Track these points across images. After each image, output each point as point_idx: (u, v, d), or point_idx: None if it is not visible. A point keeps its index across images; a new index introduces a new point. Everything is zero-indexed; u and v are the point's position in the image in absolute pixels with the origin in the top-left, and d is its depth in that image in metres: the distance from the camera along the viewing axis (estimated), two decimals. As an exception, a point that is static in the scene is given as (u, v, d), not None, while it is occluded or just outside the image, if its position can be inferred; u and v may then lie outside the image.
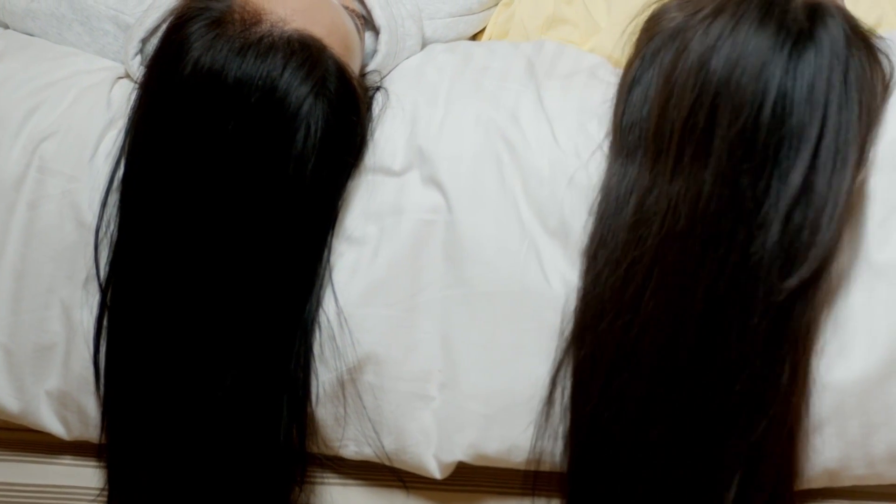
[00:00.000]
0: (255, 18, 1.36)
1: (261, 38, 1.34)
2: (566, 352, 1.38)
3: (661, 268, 1.30)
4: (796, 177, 1.26)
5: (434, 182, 1.42)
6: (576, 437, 1.39)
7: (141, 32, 1.47)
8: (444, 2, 1.58)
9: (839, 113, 1.27)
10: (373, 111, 1.45)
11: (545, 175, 1.40)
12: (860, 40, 1.32)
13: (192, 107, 1.34)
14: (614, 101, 1.38)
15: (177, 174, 1.36)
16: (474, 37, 1.67)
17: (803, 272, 1.28)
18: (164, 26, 1.40)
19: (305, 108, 1.34)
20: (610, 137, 1.38)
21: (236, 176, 1.34)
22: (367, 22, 1.53)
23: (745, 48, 1.27)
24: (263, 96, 1.33)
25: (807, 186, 1.27)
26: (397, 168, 1.43)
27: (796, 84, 1.27)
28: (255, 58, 1.33)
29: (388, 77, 1.50)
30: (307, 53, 1.35)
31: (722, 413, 1.33)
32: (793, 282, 1.28)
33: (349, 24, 1.44)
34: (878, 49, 1.34)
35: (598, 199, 1.37)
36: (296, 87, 1.34)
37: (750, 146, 1.27)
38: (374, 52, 1.52)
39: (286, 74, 1.33)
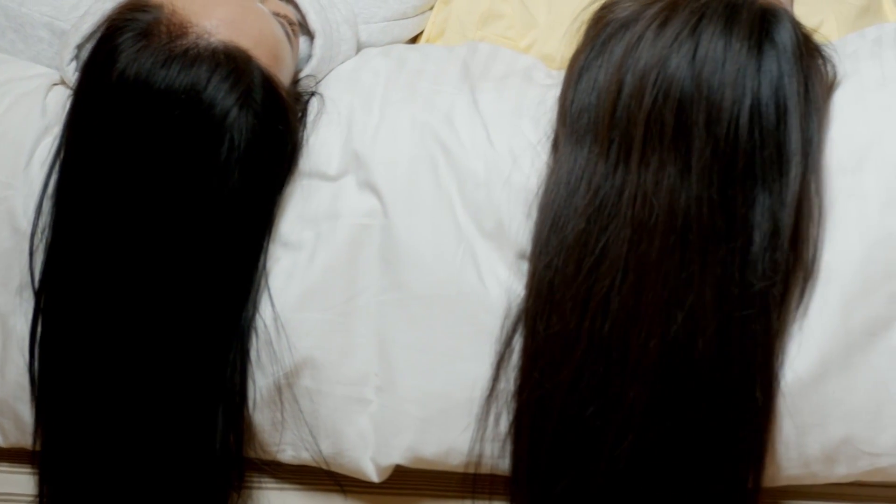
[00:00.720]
0: (182, 30, 1.36)
1: (186, 50, 1.35)
2: (507, 344, 1.38)
3: (633, 259, 1.31)
4: (789, 183, 1.28)
5: (370, 186, 1.42)
6: (520, 437, 1.39)
7: (76, 38, 1.46)
8: (379, 6, 1.58)
9: (805, 118, 1.29)
10: (307, 117, 1.45)
11: (481, 177, 1.41)
12: (809, 45, 1.33)
13: (119, 117, 1.35)
14: (562, 87, 1.38)
15: (108, 182, 1.36)
16: (412, 40, 1.67)
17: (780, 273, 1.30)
18: (97, 34, 1.40)
19: (230, 119, 1.35)
20: (557, 124, 1.38)
21: (163, 185, 1.35)
22: (301, 27, 1.53)
23: (714, 51, 1.28)
24: (188, 107, 1.33)
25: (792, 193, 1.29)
26: (333, 173, 1.43)
27: (764, 89, 1.28)
28: (180, 69, 1.33)
29: (323, 82, 1.50)
30: (233, 65, 1.36)
31: (687, 412, 1.34)
32: (773, 282, 1.29)
33: (278, 33, 1.44)
34: (823, 54, 1.36)
35: (547, 185, 1.37)
36: (220, 99, 1.34)
37: (733, 150, 1.28)
38: (310, 56, 1.52)
39: (211, 86, 1.34)
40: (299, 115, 1.45)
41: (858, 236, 1.35)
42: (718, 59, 1.28)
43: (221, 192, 1.36)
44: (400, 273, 1.41)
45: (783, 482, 1.42)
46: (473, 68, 1.49)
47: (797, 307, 1.35)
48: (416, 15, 1.62)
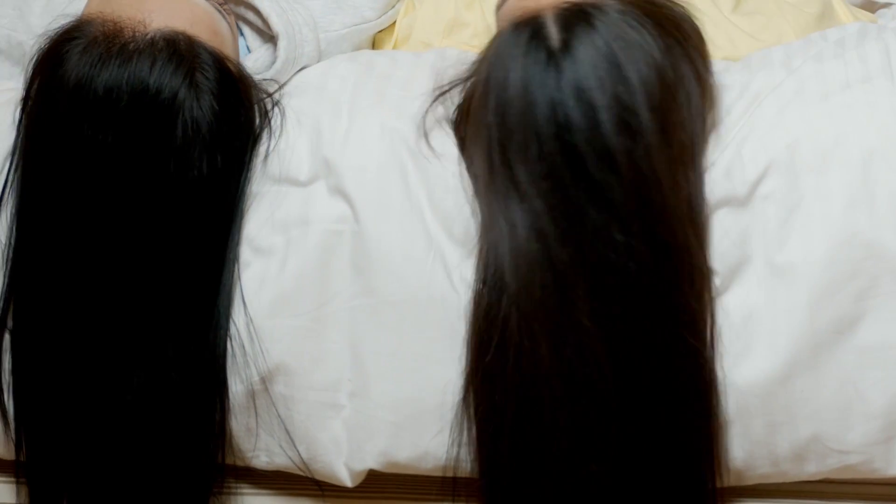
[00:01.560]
0: (116, 30, 1.37)
1: (123, 46, 1.36)
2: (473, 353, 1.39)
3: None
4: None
5: (340, 192, 1.43)
6: (486, 442, 1.40)
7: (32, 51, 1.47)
8: (336, 13, 1.59)
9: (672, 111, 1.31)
10: (272, 119, 1.46)
11: (450, 184, 1.41)
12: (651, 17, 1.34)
13: (69, 123, 1.35)
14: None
15: (66, 189, 1.36)
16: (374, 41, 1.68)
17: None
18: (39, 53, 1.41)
19: (179, 99, 1.35)
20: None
21: (123, 183, 1.35)
22: (262, 32, 1.54)
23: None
24: (134, 98, 1.34)
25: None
26: (303, 178, 1.44)
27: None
28: (121, 64, 1.35)
29: (289, 88, 1.50)
30: (173, 48, 1.37)
31: (635, 415, 1.35)
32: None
33: (210, 11, 1.45)
34: (674, 16, 1.37)
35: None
36: (167, 82, 1.35)
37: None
38: (273, 61, 1.52)
39: (155, 72, 1.35)
40: (258, 106, 1.45)
41: (824, 236, 1.36)
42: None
43: (186, 177, 1.36)
44: (371, 279, 1.41)
45: (754, 481, 1.44)
46: (442, 75, 1.50)
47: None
48: (377, 19, 1.62)
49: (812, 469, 1.42)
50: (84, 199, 1.36)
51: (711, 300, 1.37)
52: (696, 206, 1.35)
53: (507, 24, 1.35)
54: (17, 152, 1.42)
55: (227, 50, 1.45)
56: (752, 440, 1.40)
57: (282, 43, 1.50)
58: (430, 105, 1.43)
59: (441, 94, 1.43)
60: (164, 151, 1.35)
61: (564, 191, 1.29)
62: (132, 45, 1.36)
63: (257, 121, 1.45)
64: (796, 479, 1.44)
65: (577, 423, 1.34)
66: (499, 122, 1.32)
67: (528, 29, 1.32)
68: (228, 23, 1.48)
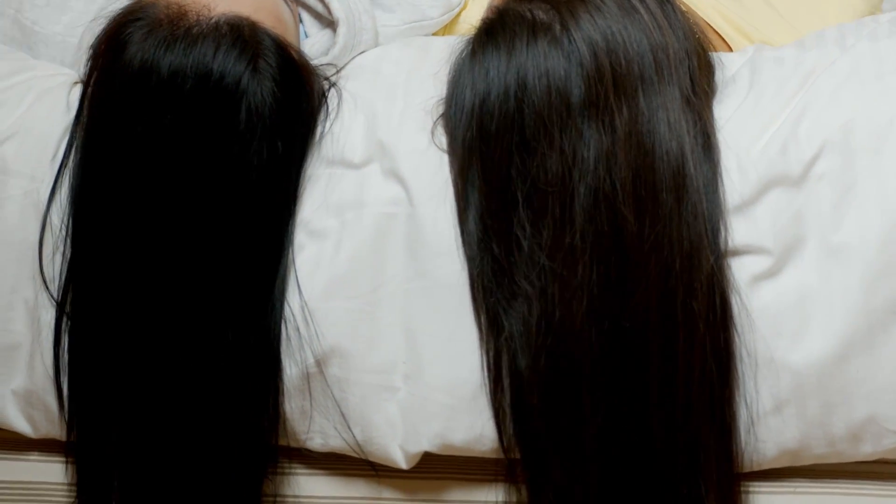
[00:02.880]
0: (181, 13, 1.38)
1: (188, 30, 1.36)
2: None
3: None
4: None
5: (395, 175, 1.42)
6: (519, 424, 1.40)
7: (90, 38, 1.47)
8: (396, 9, 1.59)
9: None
10: (328, 101, 1.46)
11: None
12: None
13: (133, 107, 1.36)
14: None
15: (129, 171, 1.37)
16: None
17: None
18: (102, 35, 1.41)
19: (243, 86, 1.35)
20: None
21: (186, 166, 1.35)
22: (321, 17, 1.54)
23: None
24: (198, 82, 1.34)
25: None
26: (357, 161, 1.44)
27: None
28: (185, 48, 1.35)
29: (344, 72, 1.51)
30: (237, 33, 1.37)
31: (657, 398, 1.36)
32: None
33: None
34: None
35: None
36: (230, 68, 1.35)
37: None
38: (331, 46, 1.52)
39: (219, 57, 1.35)
40: (318, 91, 1.45)
41: (879, 217, 1.36)
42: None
43: (247, 162, 1.36)
44: (425, 261, 1.41)
45: (810, 461, 1.44)
46: None
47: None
48: (438, 17, 1.62)
49: (868, 449, 1.42)
50: (145, 183, 1.36)
51: (719, 269, 1.36)
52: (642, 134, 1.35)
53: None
54: (77, 135, 1.42)
55: (289, 37, 1.45)
56: (807, 421, 1.40)
57: (341, 29, 1.50)
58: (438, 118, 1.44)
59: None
60: (226, 137, 1.35)
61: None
62: (196, 28, 1.36)
63: (318, 108, 1.44)
64: (852, 460, 1.45)
65: (604, 386, 1.35)
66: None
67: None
68: (291, 10, 1.48)
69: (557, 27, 1.33)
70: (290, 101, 1.40)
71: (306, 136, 1.43)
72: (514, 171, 1.33)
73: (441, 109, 1.42)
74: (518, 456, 1.42)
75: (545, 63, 1.32)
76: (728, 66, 1.47)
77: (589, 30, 1.32)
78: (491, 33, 1.36)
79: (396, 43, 1.55)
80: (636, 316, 1.34)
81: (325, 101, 1.45)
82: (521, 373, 1.36)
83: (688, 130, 1.35)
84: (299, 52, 1.46)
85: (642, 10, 1.35)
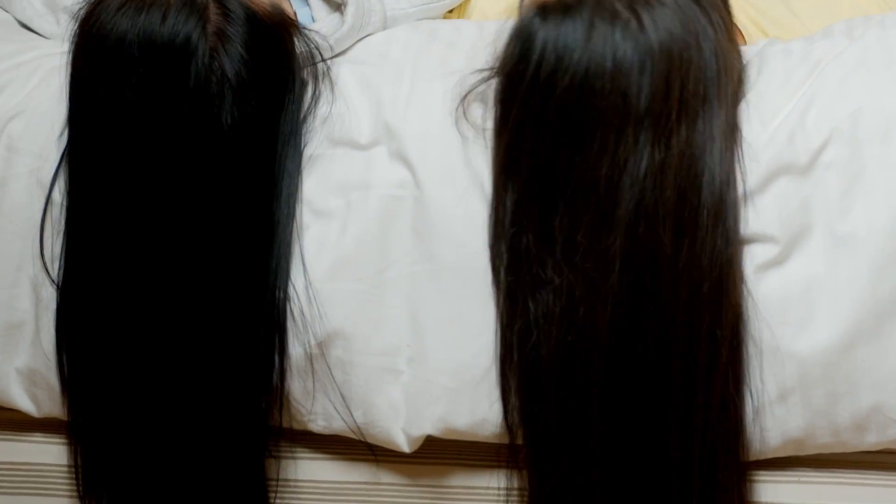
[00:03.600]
0: None
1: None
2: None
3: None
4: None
5: (401, 158, 1.42)
6: (526, 410, 1.40)
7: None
8: None
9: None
10: (328, 80, 1.46)
11: None
12: None
13: (95, 73, 1.37)
14: None
15: (107, 142, 1.37)
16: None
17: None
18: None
19: (192, 46, 1.35)
20: None
21: (156, 134, 1.35)
22: (329, 1, 1.54)
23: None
24: (147, 47, 1.35)
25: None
26: (364, 142, 1.44)
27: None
28: (134, 14, 1.35)
29: (352, 54, 1.51)
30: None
31: (664, 385, 1.35)
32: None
33: None
34: None
35: None
36: (182, 28, 1.35)
37: None
38: (339, 27, 1.52)
39: (168, 21, 1.35)
40: (309, 57, 1.45)
41: (887, 206, 1.36)
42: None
43: (217, 124, 1.36)
44: (431, 245, 1.41)
45: (814, 451, 1.44)
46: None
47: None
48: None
49: (873, 439, 1.42)
50: (124, 152, 1.36)
51: (735, 275, 1.36)
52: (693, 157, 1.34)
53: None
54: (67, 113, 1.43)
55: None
56: (812, 410, 1.39)
57: (350, 9, 1.50)
58: (474, 87, 1.42)
59: (482, 80, 1.42)
60: (191, 99, 1.35)
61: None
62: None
63: (300, 71, 1.44)
64: (856, 450, 1.44)
65: (617, 388, 1.35)
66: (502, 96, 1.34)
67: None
68: None
69: (634, 23, 1.29)
70: (261, 62, 1.39)
71: (283, 96, 1.43)
72: (563, 162, 1.31)
73: (476, 81, 1.41)
74: (521, 441, 1.41)
75: (620, 60, 1.28)
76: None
77: (666, 39, 1.29)
78: (570, 8, 1.30)
79: (404, 26, 1.55)
80: (660, 332, 1.33)
81: (322, 75, 1.45)
82: (537, 359, 1.36)
83: (731, 159, 1.35)
84: (276, 15, 1.44)
85: (714, 22, 1.34)
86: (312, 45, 1.47)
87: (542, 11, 1.30)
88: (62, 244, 1.43)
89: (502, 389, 1.40)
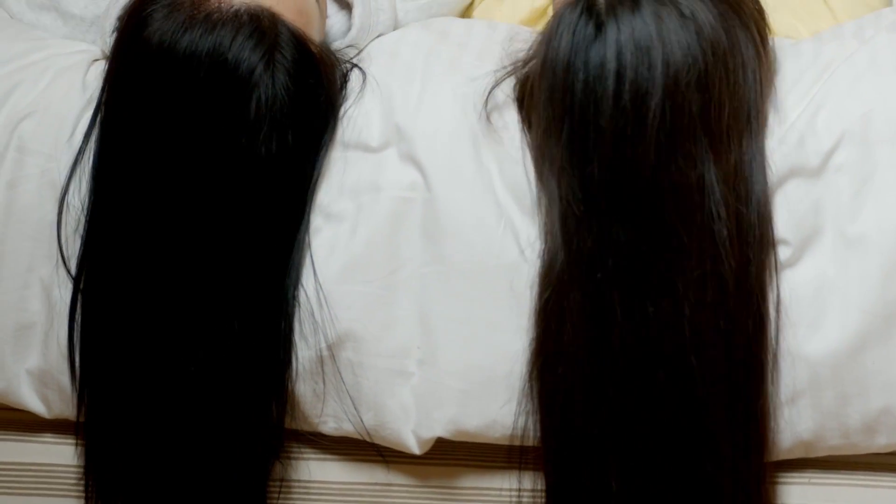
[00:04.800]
0: None
1: (209, 14, 1.36)
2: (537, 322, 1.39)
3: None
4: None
5: (412, 159, 1.42)
6: (551, 412, 1.39)
7: (118, 10, 1.47)
8: None
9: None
10: (348, 85, 1.46)
11: (517, 155, 1.41)
12: None
13: (149, 84, 1.36)
14: None
15: (143, 150, 1.37)
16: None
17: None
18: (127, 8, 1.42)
19: (255, 77, 1.36)
20: None
21: (195, 149, 1.36)
22: (337, 1, 1.54)
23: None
24: (213, 69, 1.35)
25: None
26: (375, 144, 1.44)
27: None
28: (203, 32, 1.35)
29: (363, 55, 1.50)
30: (256, 24, 1.37)
31: (691, 389, 1.35)
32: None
33: None
34: None
35: None
36: (245, 58, 1.35)
37: None
38: (349, 29, 1.52)
39: (234, 46, 1.35)
40: (339, 81, 1.46)
41: (898, 207, 1.36)
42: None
43: (255, 152, 1.36)
44: (442, 246, 1.41)
45: (824, 453, 1.43)
46: (512, 52, 1.49)
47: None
48: None
49: (883, 441, 1.42)
50: (156, 162, 1.37)
51: (772, 274, 1.36)
52: (745, 173, 1.35)
53: (562, 5, 1.35)
54: (99, 113, 1.42)
55: (311, 30, 1.44)
56: (822, 412, 1.39)
57: (357, 10, 1.50)
58: (494, 85, 1.42)
59: (505, 76, 1.42)
60: (234, 125, 1.36)
61: (604, 161, 1.30)
62: (216, 14, 1.37)
63: (337, 101, 1.45)
64: (867, 452, 1.44)
65: (641, 396, 1.35)
66: (548, 97, 1.33)
67: (578, 7, 1.32)
68: (319, 3, 1.48)
69: (691, 23, 1.31)
70: (304, 94, 1.39)
71: (321, 130, 1.43)
72: (661, 163, 1.30)
73: (500, 77, 1.42)
74: (535, 444, 1.41)
75: (689, 63, 1.29)
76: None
77: (716, 46, 1.31)
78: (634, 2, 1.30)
79: (415, 25, 1.55)
80: (701, 340, 1.34)
81: (346, 87, 1.45)
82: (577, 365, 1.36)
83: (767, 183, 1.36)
84: (320, 47, 1.45)
85: (756, 40, 1.35)
86: (344, 62, 1.48)
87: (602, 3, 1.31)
88: (80, 245, 1.43)
89: (527, 390, 1.40)
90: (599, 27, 1.30)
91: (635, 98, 1.28)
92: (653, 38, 1.29)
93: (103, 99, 1.42)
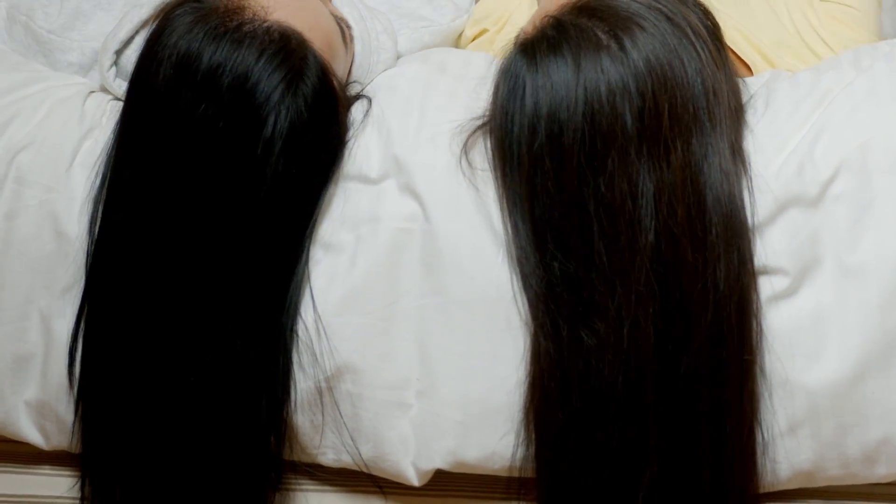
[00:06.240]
0: (238, 7, 1.37)
1: (239, 26, 1.35)
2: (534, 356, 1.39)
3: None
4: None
5: (410, 191, 1.43)
6: (542, 445, 1.40)
7: (115, 44, 1.48)
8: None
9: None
10: (354, 118, 1.46)
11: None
12: None
13: (169, 90, 1.35)
14: None
15: (157, 164, 1.36)
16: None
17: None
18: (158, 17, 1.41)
19: (273, 100, 1.34)
20: None
21: (204, 161, 1.34)
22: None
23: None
24: (235, 82, 1.33)
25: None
26: (374, 176, 1.44)
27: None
28: (230, 45, 1.34)
29: (364, 89, 1.51)
30: (283, 44, 1.36)
31: (682, 420, 1.36)
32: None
33: (333, 26, 1.45)
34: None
35: None
36: (266, 78, 1.34)
37: None
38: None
39: (260, 63, 1.34)
40: (350, 118, 1.46)
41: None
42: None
43: (262, 176, 1.35)
44: (440, 277, 1.41)
45: (824, 483, 1.44)
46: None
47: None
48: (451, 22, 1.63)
49: (882, 471, 1.41)
50: (167, 172, 1.36)
51: (753, 303, 1.37)
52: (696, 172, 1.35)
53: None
54: (120, 112, 1.42)
55: (336, 65, 1.44)
56: (822, 442, 1.39)
57: (356, 47, 1.50)
58: (470, 136, 1.43)
59: (477, 128, 1.43)
60: (246, 145, 1.35)
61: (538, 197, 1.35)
62: (247, 27, 1.35)
63: (346, 138, 1.45)
64: (866, 482, 1.44)
65: (638, 429, 1.35)
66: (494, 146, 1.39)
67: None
68: (346, 46, 1.48)
69: (615, 47, 1.32)
70: (318, 126, 1.39)
71: (329, 164, 1.43)
72: (586, 188, 1.32)
73: (476, 124, 1.42)
74: (533, 475, 1.41)
75: (612, 84, 1.31)
76: (746, 91, 1.47)
77: (650, 60, 1.32)
78: (554, 45, 1.34)
79: (413, 58, 1.55)
80: (689, 360, 1.34)
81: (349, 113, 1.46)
82: (582, 389, 1.36)
83: (737, 183, 1.36)
84: (341, 83, 1.45)
85: (699, 49, 1.35)
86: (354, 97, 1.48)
87: (527, 51, 1.35)
88: (86, 269, 1.42)
89: (527, 421, 1.40)
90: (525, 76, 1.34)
91: (551, 130, 1.32)
92: (569, 78, 1.32)
93: (126, 97, 1.41)
